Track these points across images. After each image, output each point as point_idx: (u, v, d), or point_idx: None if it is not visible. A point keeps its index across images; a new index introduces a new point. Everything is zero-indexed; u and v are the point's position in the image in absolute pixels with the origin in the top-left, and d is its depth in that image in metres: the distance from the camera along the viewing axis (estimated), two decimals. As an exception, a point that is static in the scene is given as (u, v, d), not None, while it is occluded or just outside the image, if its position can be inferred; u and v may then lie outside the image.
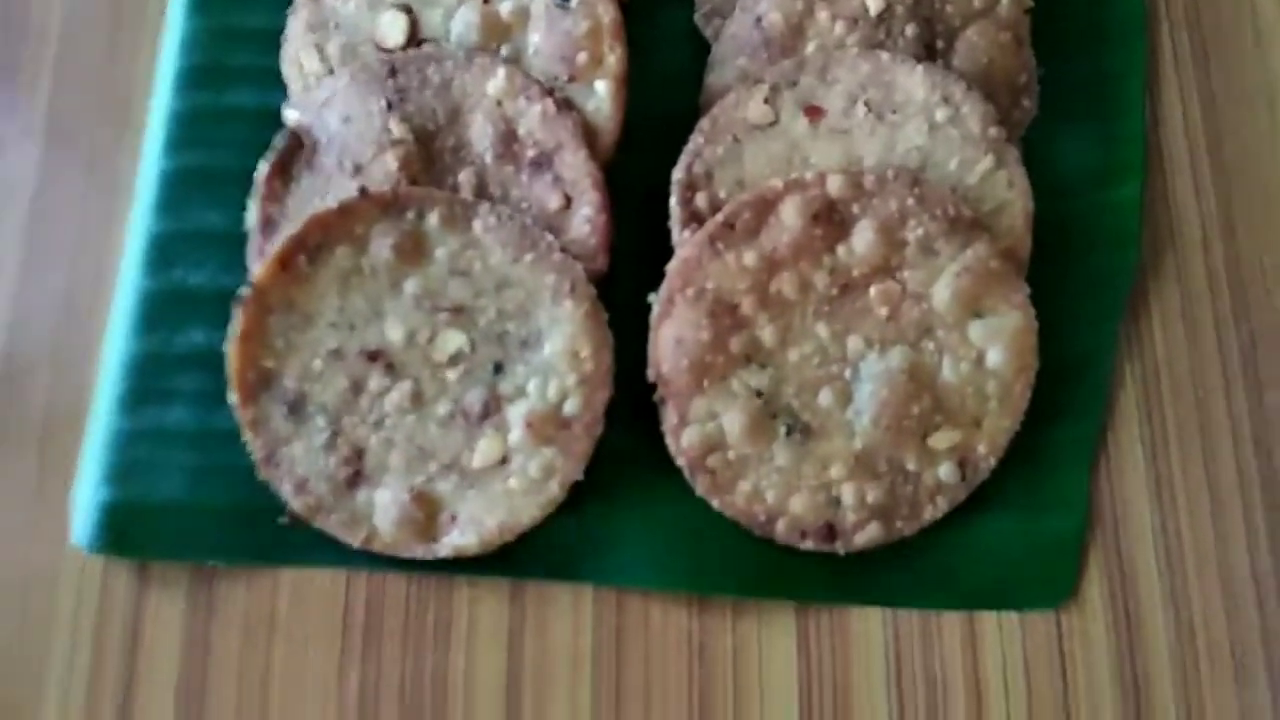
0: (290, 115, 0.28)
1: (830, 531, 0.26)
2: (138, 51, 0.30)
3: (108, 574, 0.26)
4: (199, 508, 0.26)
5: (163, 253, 0.27)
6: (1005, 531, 0.26)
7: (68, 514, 0.26)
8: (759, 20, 0.28)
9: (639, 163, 0.27)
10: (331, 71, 0.28)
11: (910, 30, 0.28)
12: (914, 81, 0.27)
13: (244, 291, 0.25)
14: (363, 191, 0.25)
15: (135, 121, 0.29)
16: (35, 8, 0.31)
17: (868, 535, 0.25)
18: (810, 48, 0.28)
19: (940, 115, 0.26)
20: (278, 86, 0.28)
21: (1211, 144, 0.29)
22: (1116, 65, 0.29)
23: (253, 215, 0.27)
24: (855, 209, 0.26)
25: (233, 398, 0.25)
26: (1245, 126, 0.29)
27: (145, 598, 0.26)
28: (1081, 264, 0.27)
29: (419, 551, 0.25)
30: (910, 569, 0.25)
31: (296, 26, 0.28)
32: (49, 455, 0.27)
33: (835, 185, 0.26)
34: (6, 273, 0.28)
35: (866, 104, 0.27)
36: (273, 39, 0.29)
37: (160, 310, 0.27)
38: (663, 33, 0.29)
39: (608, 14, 0.27)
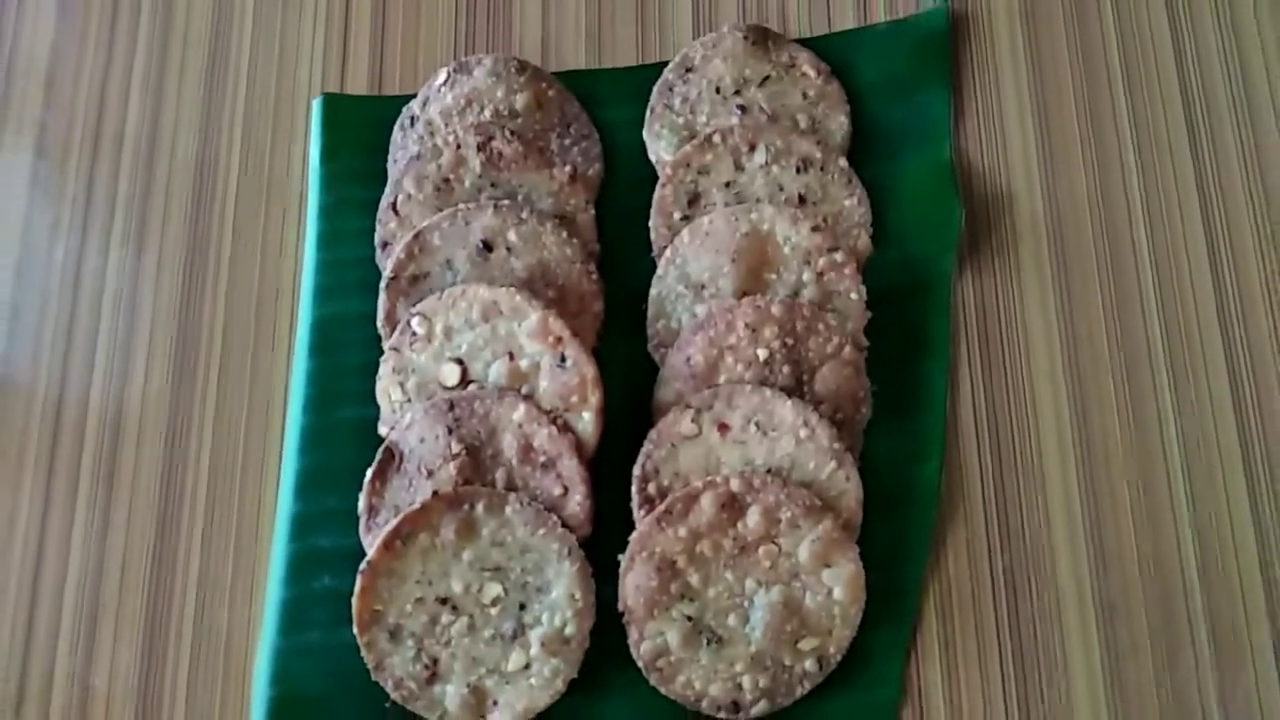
0: (384, 429, 0.42)
1: (735, 707, 0.39)
2: (276, 380, 0.44)
3: (274, 743, 0.40)
4: (335, 698, 0.39)
5: (301, 526, 0.41)
6: (849, 703, 0.39)
7: (248, 707, 0.40)
8: (688, 359, 0.42)
9: (612, 461, 0.41)
10: (409, 400, 0.42)
11: (785, 370, 0.41)
12: (786, 410, 0.40)
13: (364, 565, 0.39)
14: (435, 494, 0.39)
15: (275, 433, 0.43)
16: (201, 353, 0.44)
17: (760, 708, 0.39)
18: (721, 379, 0.42)
19: (803, 434, 0.40)
20: (373, 405, 0.42)
21: (990, 426, 0.42)
22: (928, 374, 0.43)
23: (361, 504, 0.40)
24: (749, 499, 0.39)
25: (355, 629, 0.39)
26: (1014, 416, 0.43)
27: (298, 759, 0.39)
28: (899, 519, 0.40)
29: None
30: None
31: (386, 369, 0.41)
32: (231, 659, 0.40)
33: (735, 484, 0.39)
34: (194, 547, 0.42)
35: (756, 424, 0.41)
36: (369, 371, 0.41)
37: (301, 565, 0.40)
38: (628, 354, 0.42)
39: (590, 371, 0.40)
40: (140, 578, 0.41)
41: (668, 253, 0.43)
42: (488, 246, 0.42)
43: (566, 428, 0.40)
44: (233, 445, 0.43)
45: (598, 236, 0.44)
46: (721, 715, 0.39)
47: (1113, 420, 0.42)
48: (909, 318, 0.43)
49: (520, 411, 0.40)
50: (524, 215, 0.43)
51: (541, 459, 0.40)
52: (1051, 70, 0.47)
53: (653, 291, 0.43)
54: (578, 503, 0.40)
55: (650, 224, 0.44)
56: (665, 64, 0.46)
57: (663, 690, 0.39)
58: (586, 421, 0.40)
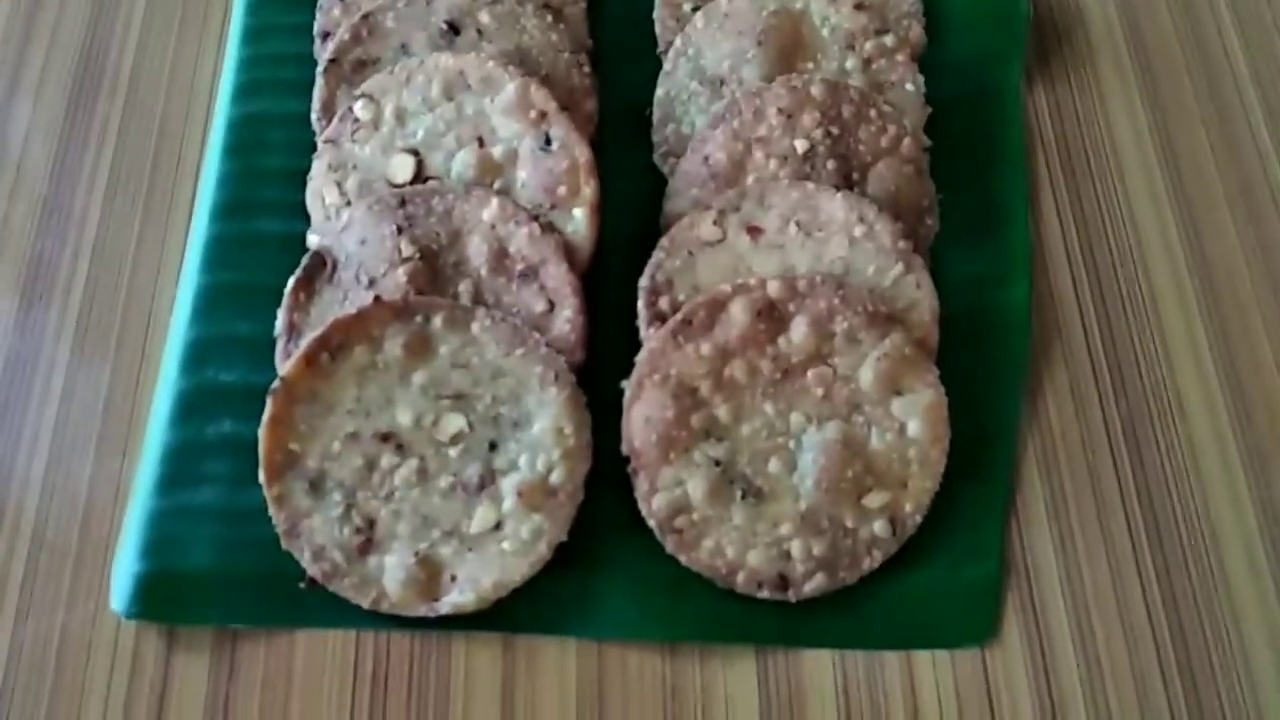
0: (314, 239, 0.33)
1: (783, 582, 0.29)
2: (179, 189, 0.35)
3: (140, 638, 0.29)
4: (225, 577, 0.29)
5: (198, 355, 0.31)
6: (933, 579, 0.29)
7: (106, 584, 0.29)
8: (707, 159, 0.33)
9: (611, 273, 0.32)
10: (349, 204, 0.33)
11: (830, 165, 0.33)
12: (835, 205, 0.32)
13: (275, 384, 0.29)
14: (377, 299, 0.30)
15: (174, 247, 0.34)
16: (89, 151, 0.36)
17: (815, 584, 0.29)
18: (750, 180, 0.33)
19: (858, 232, 0.32)
20: (302, 218, 0.33)
21: (1085, 250, 0.35)
22: (1003, 189, 0.35)
23: (280, 322, 0.31)
24: (791, 308, 0.30)
25: (261, 476, 0.29)
26: (1112, 238, 0.35)
27: (174, 660, 0.28)
28: (983, 351, 0.32)
29: (422, 610, 0.28)
30: (853, 614, 0.29)
31: (320, 167, 0.33)
32: (89, 532, 0.30)
33: (774, 288, 0.31)
34: (56, 372, 0.32)
35: (797, 224, 0.32)
36: (297, 178, 0.33)
37: (194, 404, 0.31)
38: (628, 171, 0.35)
39: (583, 154, 0.32)
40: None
41: (677, 43, 0.36)
42: (454, 28, 0.34)
43: (551, 228, 0.31)
44: (117, 258, 0.33)
45: (589, 34, 0.36)
46: (764, 594, 0.29)
47: (1233, 242, 0.35)
48: (976, 125, 0.36)
49: (492, 209, 0.31)
50: (500, -7, 0.35)
51: (520, 267, 0.31)
52: None
53: (659, 91, 0.36)
54: (567, 319, 0.30)
55: (655, 16, 0.37)
56: None
57: (682, 559, 0.29)
58: (578, 220, 0.32)
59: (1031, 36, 0.38)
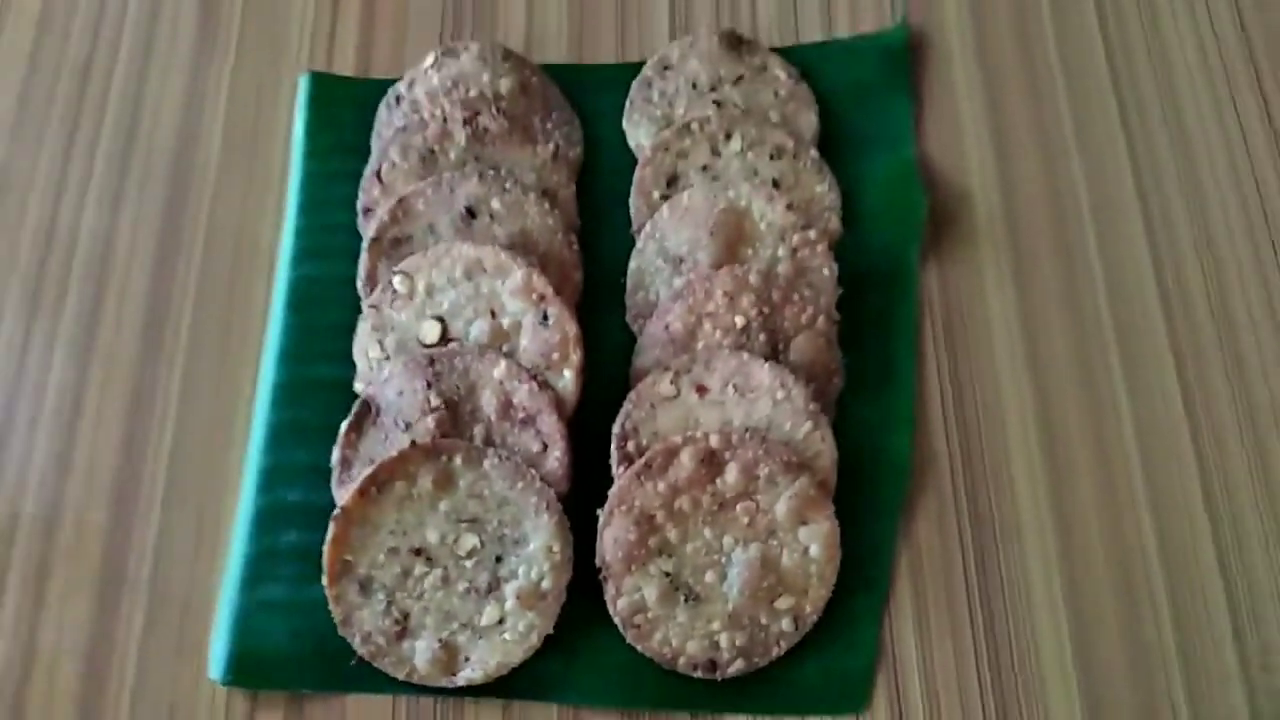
0: (359, 386, 0.41)
1: (712, 665, 0.38)
2: (249, 338, 0.43)
3: (230, 700, 0.38)
4: (295, 655, 0.37)
5: (269, 480, 0.40)
6: (824, 664, 0.38)
7: (205, 658, 0.38)
8: (667, 326, 0.42)
9: (591, 420, 0.41)
10: (388, 359, 0.42)
11: (762, 337, 0.42)
12: (763, 373, 0.41)
13: (336, 512, 0.38)
14: (413, 443, 0.39)
15: (248, 386, 0.42)
16: (173, 306, 0.43)
17: (736, 667, 0.38)
18: (700, 346, 0.42)
19: (779, 395, 0.41)
20: (350, 365, 0.41)
21: (956, 405, 0.43)
22: (897, 354, 0.43)
23: (335, 457, 0.40)
24: (727, 455, 0.39)
25: (324, 580, 0.38)
26: (978, 395, 0.44)
27: (258, 716, 0.37)
28: (871, 487, 0.41)
29: (444, 682, 0.37)
30: (764, 689, 0.38)
31: (364, 327, 0.41)
32: (190, 617, 0.39)
33: (714, 440, 0.40)
34: (157, 489, 0.40)
35: (734, 386, 0.41)
36: (346, 332, 0.41)
37: (268, 520, 0.39)
38: (606, 329, 0.43)
39: (572, 329, 0.40)
40: (96, 529, 0.39)
41: (647, 227, 0.44)
42: (471, 213, 0.43)
43: (546, 385, 0.40)
44: (200, 399, 0.42)
45: (578, 215, 0.45)
46: (698, 673, 0.38)
47: (1068, 391, 0.43)
48: (878, 299, 0.44)
49: (501, 368, 0.40)
50: (508, 185, 0.43)
51: (521, 415, 0.40)
52: (1000, 81, 0.50)
53: (632, 265, 0.44)
54: (556, 458, 0.40)
55: (630, 202, 0.45)
56: (644, 63, 0.49)
57: (639, 648, 0.38)
58: (567, 380, 0.41)
59: (928, 223, 0.47)
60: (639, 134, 0.47)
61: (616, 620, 0.38)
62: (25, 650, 0.38)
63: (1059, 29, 0.51)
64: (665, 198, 0.45)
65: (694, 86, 0.48)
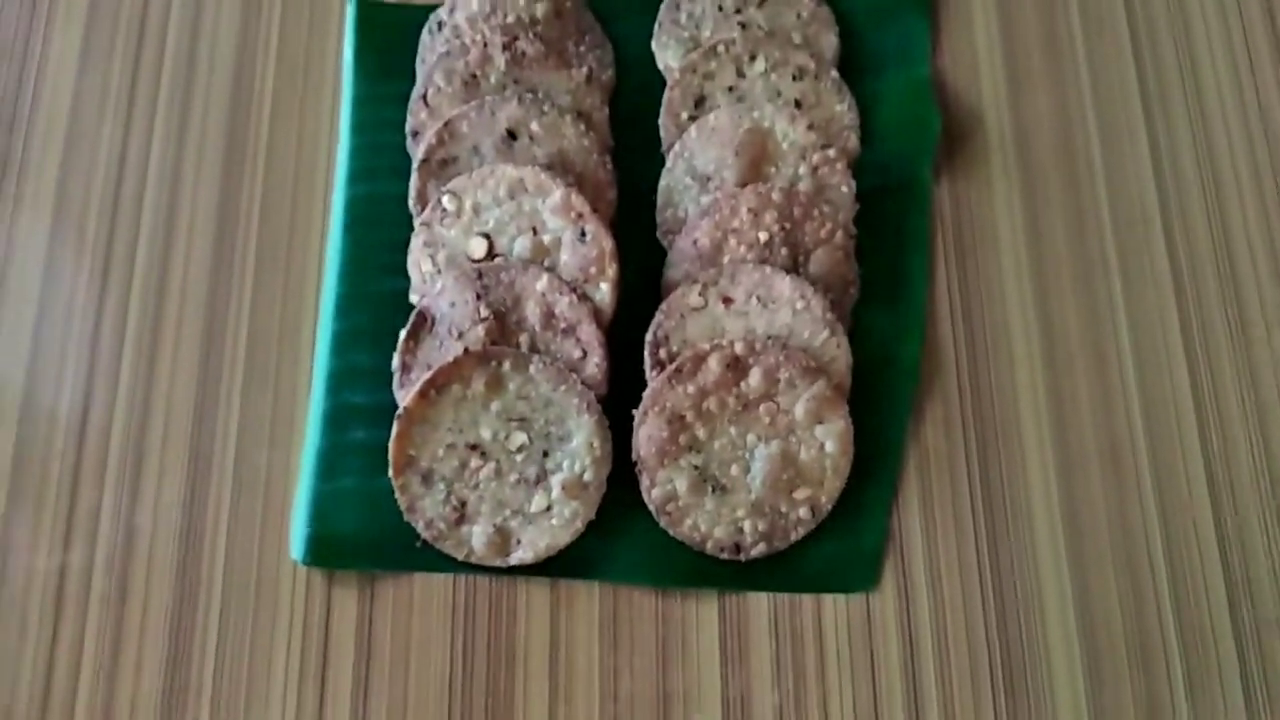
0: (414, 298, 0.45)
1: (737, 548, 0.43)
2: (309, 252, 0.46)
3: (310, 578, 0.42)
4: (366, 538, 0.42)
5: (337, 382, 0.44)
6: (838, 548, 0.42)
7: (286, 540, 0.43)
8: (695, 242, 0.45)
9: (627, 328, 0.44)
10: (439, 272, 0.45)
11: (784, 251, 0.45)
12: (784, 285, 0.44)
13: (400, 411, 0.42)
14: (465, 350, 0.43)
15: (311, 297, 0.45)
16: (240, 228, 0.47)
17: (758, 550, 0.43)
18: (725, 260, 0.46)
19: (799, 305, 0.44)
20: (404, 278, 0.45)
21: (964, 312, 0.46)
22: (910, 264, 0.46)
23: (396, 362, 0.43)
24: (751, 361, 0.43)
25: (390, 472, 0.42)
26: (985, 306, 0.47)
27: (333, 592, 0.42)
28: (883, 390, 0.44)
29: (498, 562, 0.42)
30: (783, 570, 0.42)
31: (416, 243, 0.44)
32: (271, 505, 0.43)
33: (739, 347, 0.43)
34: (235, 391, 0.44)
35: (757, 297, 0.44)
36: (401, 247, 0.45)
37: (337, 418, 0.43)
38: (639, 241, 0.45)
39: (608, 245, 0.43)
40: (183, 425, 0.44)
41: (676, 147, 0.47)
42: (512, 135, 0.46)
43: (585, 297, 0.44)
44: (270, 311, 0.45)
45: (611, 136, 0.48)
46: (724, 555, 0.42)
47: (1069, 306, 0.46)
48: (892, 213, 0.47)
49: (543, 281, 0.44)
50: (546, 108, 0.46)
51: (562, 325, 0.43)
52: (1016, 5, 0.52)
53: (662, 183, 0.46)
54: (595, 364, 0.43)
55: (660, 123, 0.47)
56: (673, -17, 0.51)
57: (671, 532, 0.42)
58: (604, 292, 0.44)
59: (942, 141, 0.49)
60: (667, 56, 0.49)
61: (651, 508, 0.42)
62: (127, 530, 0.42)
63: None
64: (693, 118, 0.48)
65: (720, 8, 0.50)
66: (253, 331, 0.45)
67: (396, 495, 0.42)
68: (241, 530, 0.43)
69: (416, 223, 0.45)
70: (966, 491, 0.44)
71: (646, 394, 0.43)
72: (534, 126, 0.46)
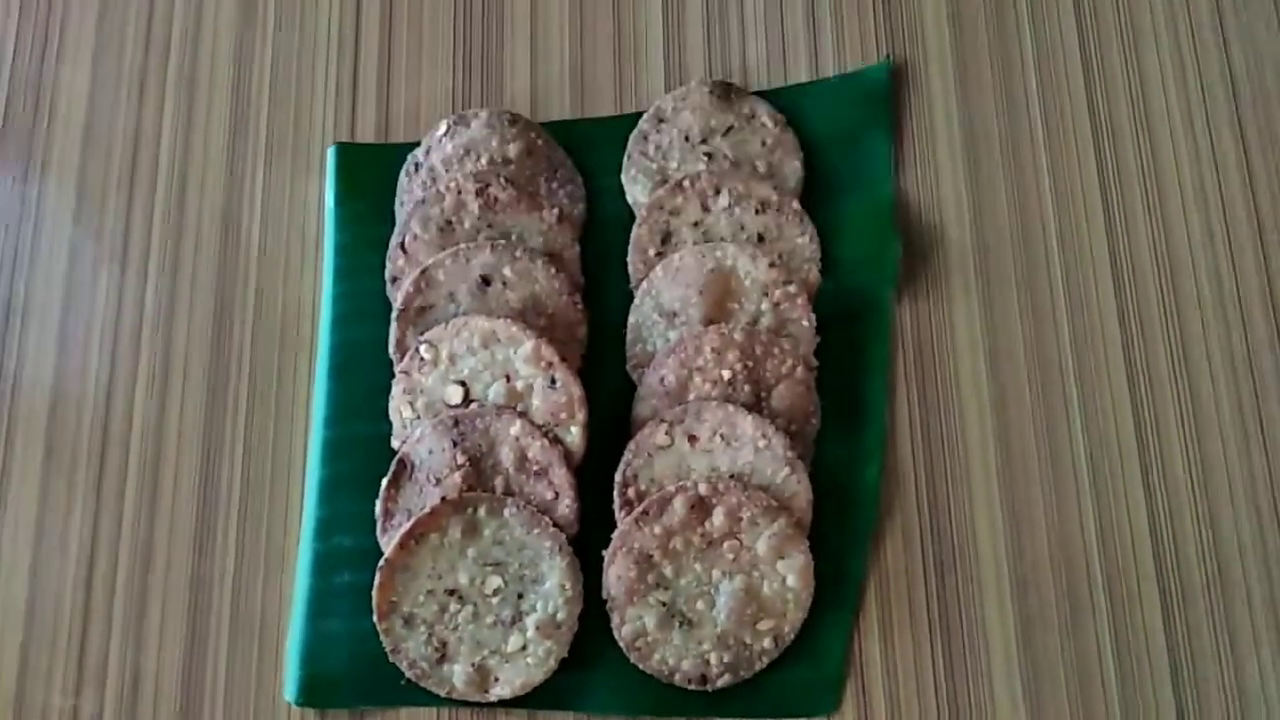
0: (396, 443, 0.47)
1: (704, 679, 0.45)
2: (297, 395, 0.49)
3: (305, 717, 0.45)
4: (355, 678, 0.44)
5: (325, 528, 0.46)
6: (801, 675, 0.44)
7: (280, 681, 0.45)
8: (662, 379, 0.47)
9: (597, 461, 0.45)
10: (418, 418, 0.47)
11: (746, 388, 0.47)
12: (747, 424, 0.45)
13: (382, 562, 0.44)
14: (443, 499, 0.45)
15: (299, 445, 0.48)
16: (232, 366, 0.49)
17: (724, 680, 0.44)
18: (691, 398, 0.47)
19: (761, 444, 0.46)
20: (386, 422, 0.47)
21: (923, 432, 0.47)
22: (870, 389, 0.47)
23: (379, 508, 0.46)
24: (714, 501, 0.45)
25: (375, 617, 0.44)
26: (944, 427, 0.48)
27: (326, 729, 0.45)
28: (843, 522, 0.45)
29: (479, 698, 0.44)
30: (748, 696, 0.44)
31: (397, 390, 0.46)
32: (265, 642, 0.46)
33: (703, 487, 0.45)
34: (230, 534, 0.47)
35: (721, 435, 0.46)
36: (382, 392, 0.46)
37: (325, 562, 0.46)
38: (609, 375, 0.47)
39: (577, 391, 0.45)
40: (182, 572, 0.47)
41: (644, 285, 0.48)
42: (486, 281, 0.48)
43: (556, 440, 0.46)
44: (262, 456, 0.48)
45: (582, 271, 0.50)
46: (691, 686, 0.44)
47: (1028, 426, 0.48)
48: (853, 340, 0.48)
49: (517, 427, 0.46)
50: (518, 253, 0.48)
51: (535, 468, 0.46)
52: (979, 118, 0.52)
53: (631, 319, 0.48)
54: (567, 505, 0.46)
55: (628, 259, 0.49)
56: (641, 114, 0.52)
57: (641, 666, 0.44)
58: (574, 435, 0.46)
59: (903, 260, 0.49)
60: (636, 190, 0.51)
61: (621, 644, 0.44)
62: (133, 676, 0.46)
63: (1041, 67, 0.53)
64: (660, 254, 0.49)
65: (686, 139, 0.52)
66: (246, 478, 0.48)
67: (381, 638, 0.44)
68: (239, 674, 0.45)
69: (396, 370, 0.47)
70: (924, 613, 0.46)
71: (616, 535, 0.45)
72: (507, 272, 0.48)
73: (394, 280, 0.49)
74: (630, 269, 0.50)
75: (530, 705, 0.44)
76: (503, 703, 0.44)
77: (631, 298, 0.49)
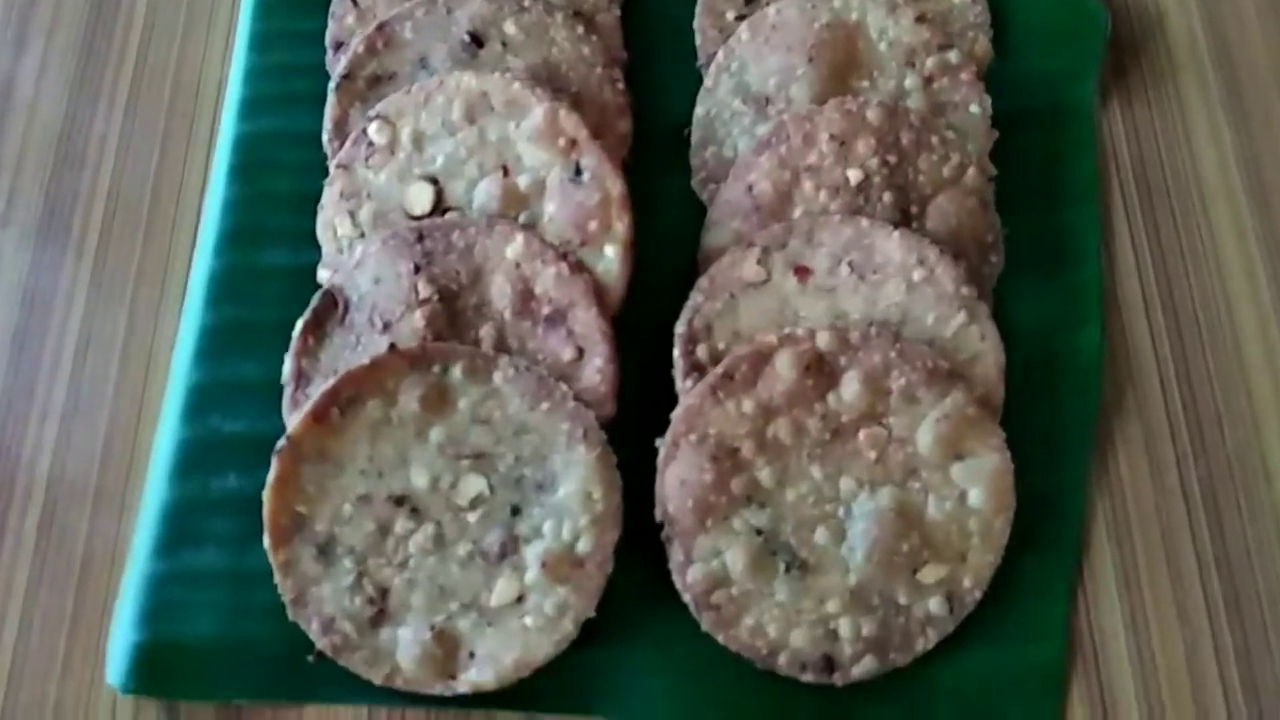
0: (324, 274, 0.31)
1: (829, 664, 0.27)
2: (181, 215, 0.33)
3: (138, 714, 0.27)
4: (229, 648, 0.27)
5: (200, 402, 0.30)
6: (993, 663, 0.28)
7: (102, 654, 0.28)
8: (750, 188, 0.31)
9: (644, 316, 0.30)
10: (363, 236, 0.31)
11: (887, 198, 0.31)
12: (891, 245, 0.30)
13: (281, 443, 0.27)
14: (392, 347, 0.28)
15: (177, 280, 0.32)
16: (86, 172, 0.34)
17: (864, 667, 0.27)
18: (797, 213, 0.31)
19: (917, 275, 0.29)
20: (312, 248, 0.31)
21: (1164, 292, 0.33)
22: (1074, 221, 0.33)
23: (288, 368, 0.29)
24: (843, 361, 0.28)
25: (266, 541, 0.27)
26: (1193, 277, 0.33)
27: (174, 739, 0.27)
28: (1050, 407, 0.30)
29: (438, 689, 0.27)
30: (905, 701, 0.27)
31: (331, 194, 0.31)
32: (85, 596, 0.28)
33: (824, 340, 0.28)
34: (50, 419, 0.30)
35: (850, 265, 0.30)
36: (308, 203, 0.32)
37: (197, 457, 0.29)
38: (663, 196, 0.33)
39: (616, 187, 0.30)
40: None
41: (719, 57, 0.34)
42: (476, 40, 0.32)
43: (581, 267, 0.30)
44: (112, 296, 0.32)
45: (624, 44, 0.34)
46: (808, 676, 0.27)
47: None
48: (1044, 149, 0.34)
49: (517, 245, 0.30)
50: (527, 3, 0.32)
51: (546, 310, 0.29)
52: None
53: (699, 110, 0.34)
54: (597, 368, 0.29)
55: (695, 26, 0.35)
56: None
57: (719, 638, 0.28)
58: (610, 259, 0.30)
59: (1108, 50, 0.35)
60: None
61: (686, 598, 0.28)
62: None
63: None
64: (743, 17, 0.35)
65: None
66: (88, 322, 0.32)
67: (277, 578, 0.27)
68: (35, 638, 0.28)
69: (331, 165, 0.32)
70: (1194, 563, 0.30)
71: (678, 415, 0.28)
72: (509, 28, 0.33)
73: (338, 47, 0.34)
74: (698, 39, 0.36)
75: (526, 707, 0.28)
76: (479, 698, 0.27)
77: (699, 81, 0.35)
